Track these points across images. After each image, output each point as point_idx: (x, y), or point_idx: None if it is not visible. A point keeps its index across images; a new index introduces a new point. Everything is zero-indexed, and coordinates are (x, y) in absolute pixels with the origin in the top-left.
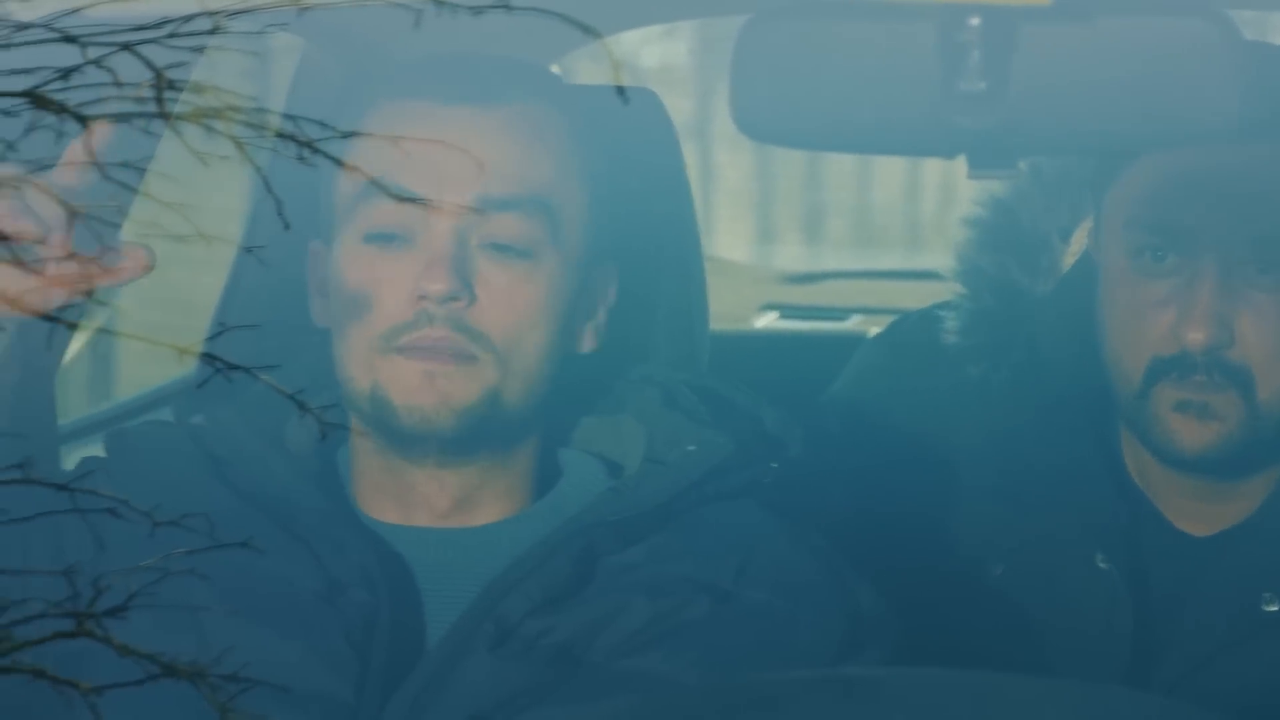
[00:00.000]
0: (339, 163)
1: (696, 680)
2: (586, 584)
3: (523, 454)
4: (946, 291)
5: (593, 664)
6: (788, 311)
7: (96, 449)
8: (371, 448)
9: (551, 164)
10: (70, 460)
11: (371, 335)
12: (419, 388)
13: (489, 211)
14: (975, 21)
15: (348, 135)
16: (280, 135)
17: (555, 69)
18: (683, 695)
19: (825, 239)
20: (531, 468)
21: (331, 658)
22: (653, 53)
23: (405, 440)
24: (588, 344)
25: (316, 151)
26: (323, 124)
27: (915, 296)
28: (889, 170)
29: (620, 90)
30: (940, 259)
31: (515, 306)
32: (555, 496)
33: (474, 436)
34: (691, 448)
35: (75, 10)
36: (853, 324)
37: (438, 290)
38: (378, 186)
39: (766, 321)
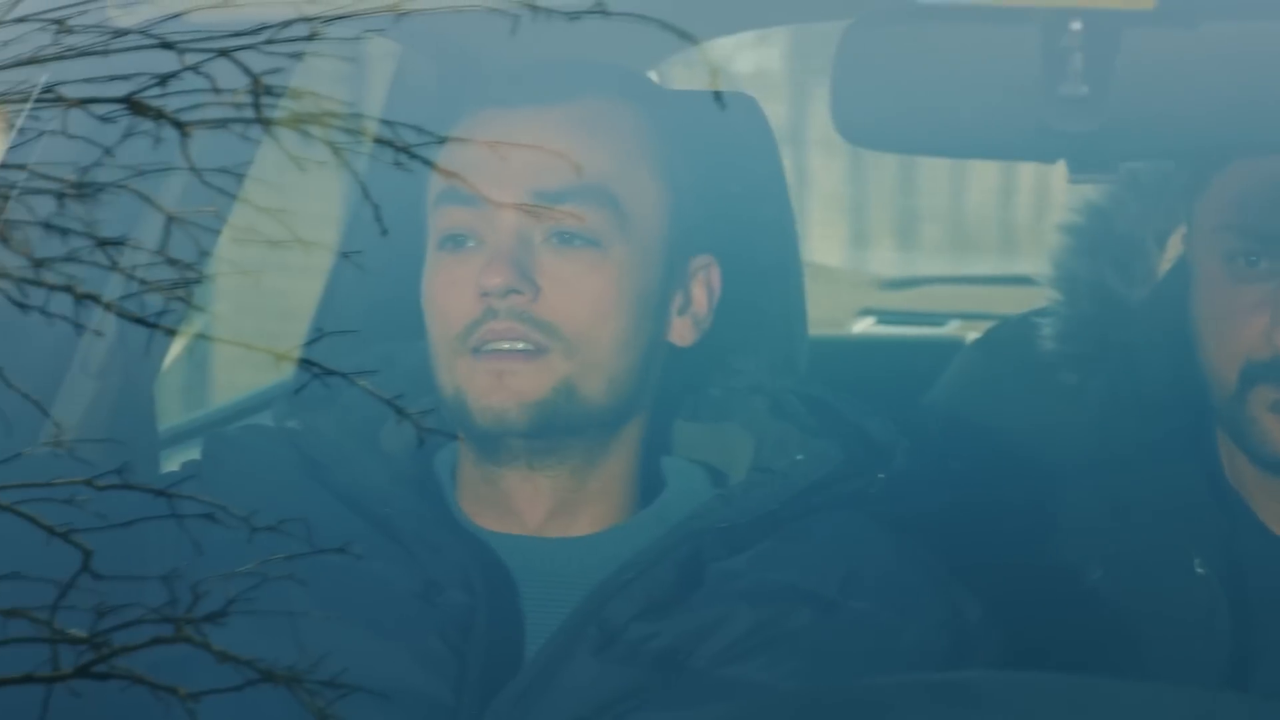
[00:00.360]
0: (432, 166)
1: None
2: (691, 590)
3: (619, 456)
4: (1043, 297)
5: (695, 670)
6: (885, 317)
7: (196, 454)
8: (470, 456)
9: (615, 154)
10: (170, 466)
11: (450, 338)
12: (490, 388)
13: (546, 205)
14: (1077, 26)
15: (440, 140)
16: (379, 141)
17: (653, 75)
18: (783, 701)
19: (919, 244)
20: (632, 473)
21: (430, 659)
22: (747, 58)
23: (488, 443)
24: (685, 337)
25: (413, 157)
26: (419, 129)
27: (1012, 302)
28: (982, 175)
29: (717, 95)
30: (1035, 264)
31: (583, 296)
32: (660, 506)
33: (553, 431)
34: (800, 457)
35: (174, 16)
36: (951, 329)
37: (495, 284)
38: (458, 180)
39: (864, 327)
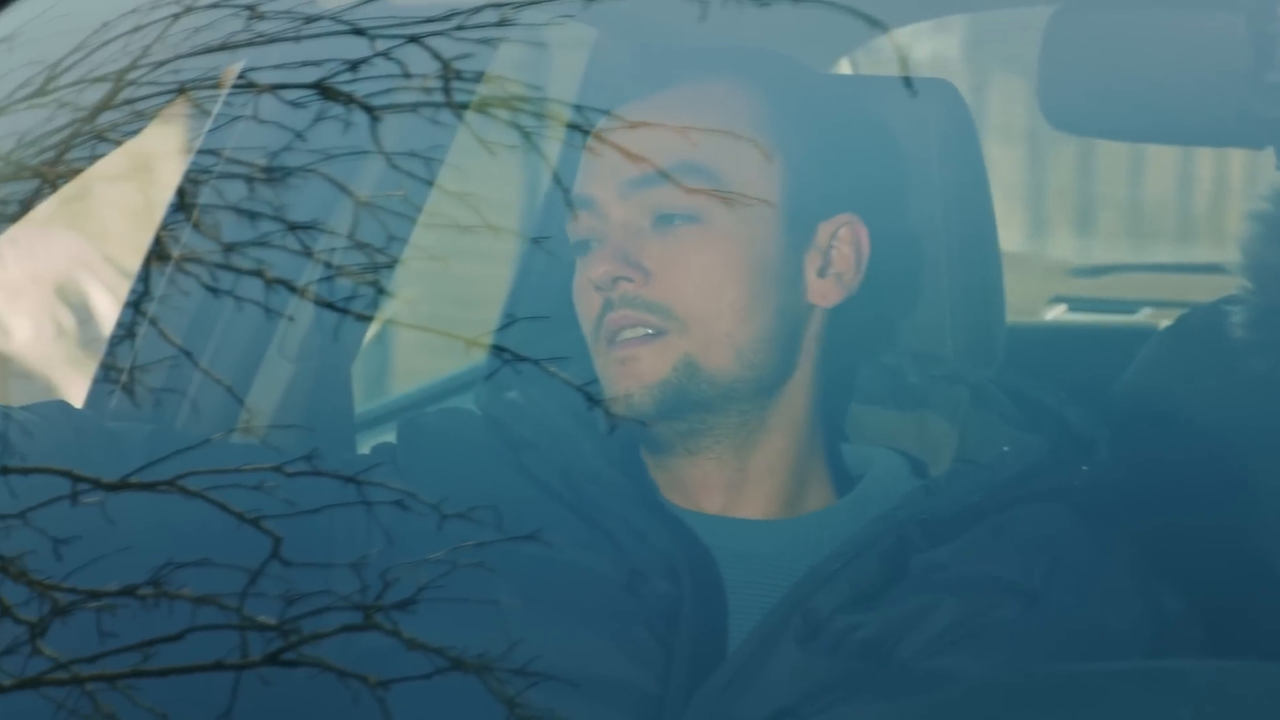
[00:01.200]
0: (623, 151)
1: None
2: (896, 581)
3: (782, 431)
4: (1234, 285)
5: (900, 662)
6: (1076, 304)
7: (385, 438)
8: (643, 448)
9: (709, 132)
10: (359, 451)
11: (590, 337)
12: (617, 376)
13: (640, 189)
14: None
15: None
16: (570, 126)
17: (844, 62)
18: (989, 691)
19: (1103, 232)
20: (807, 452)
21: (636, 650)
22: (924, 47)
23: (638, 432)
24: (828, 297)
25: (603, 143)
26: (608, 113)
27: (1204, 289)
28: (1160, 163)
29: (908, 80)
30: (1215, 251)
31: (692, 272)
32: (860, 495)
33: (685, 409)
34: (1005, 449)
35: (365, 1)
36: (1142, 316)
37: (600, 274)
38: (649, 166)
39: (1056, 314)
